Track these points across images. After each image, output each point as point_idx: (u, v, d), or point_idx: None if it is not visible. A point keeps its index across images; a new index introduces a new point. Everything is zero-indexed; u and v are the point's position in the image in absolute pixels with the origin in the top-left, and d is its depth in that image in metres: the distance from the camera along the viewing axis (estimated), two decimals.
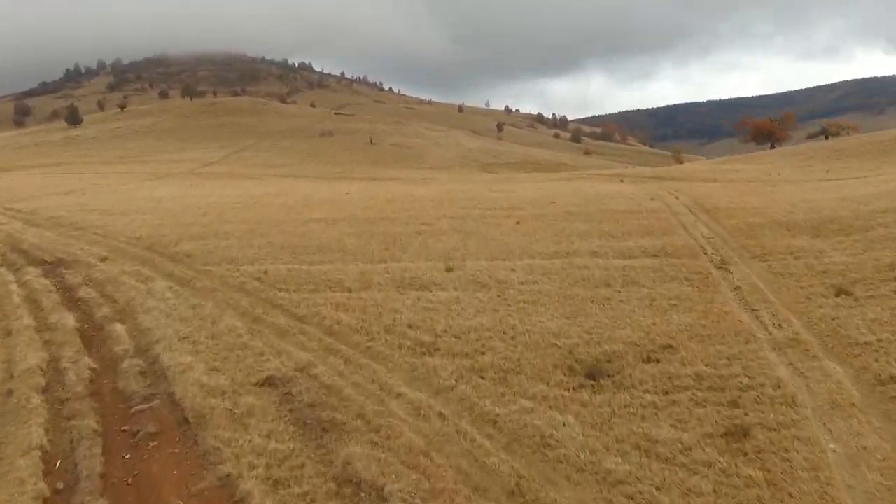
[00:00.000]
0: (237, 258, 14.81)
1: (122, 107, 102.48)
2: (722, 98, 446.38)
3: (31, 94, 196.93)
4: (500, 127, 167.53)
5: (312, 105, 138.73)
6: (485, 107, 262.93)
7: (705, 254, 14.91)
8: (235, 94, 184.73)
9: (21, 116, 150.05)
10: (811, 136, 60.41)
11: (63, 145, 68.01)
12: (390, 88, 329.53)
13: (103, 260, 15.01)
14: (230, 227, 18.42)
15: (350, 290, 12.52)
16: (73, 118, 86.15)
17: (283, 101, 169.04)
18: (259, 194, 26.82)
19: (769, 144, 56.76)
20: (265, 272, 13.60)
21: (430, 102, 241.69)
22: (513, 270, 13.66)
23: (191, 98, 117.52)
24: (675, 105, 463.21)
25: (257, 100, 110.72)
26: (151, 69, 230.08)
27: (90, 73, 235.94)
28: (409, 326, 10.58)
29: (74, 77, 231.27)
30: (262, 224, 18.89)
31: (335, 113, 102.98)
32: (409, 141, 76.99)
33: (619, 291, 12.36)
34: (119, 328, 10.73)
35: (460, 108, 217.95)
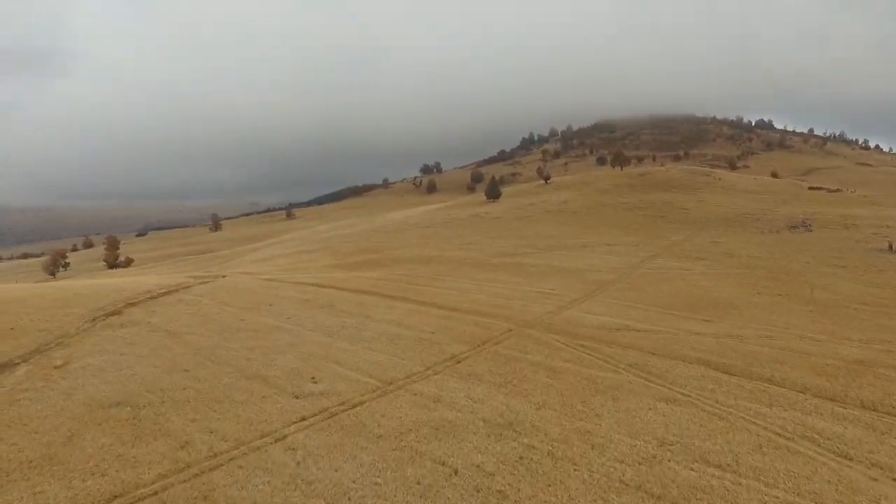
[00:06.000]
0: None
1: (547, 178, 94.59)
2: None
3: (489, 161, 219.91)
4: None
5: (774, 175, 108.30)
6: None
7: None
8: (677, 158, 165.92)
9: (473, 183, 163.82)
10: None
11: (461, 226, 59.84)
12: (877, 146, 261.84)
13: None
14: None
15: None
16: (492, 191, 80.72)
17: (732, 165, 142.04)
18: None
19: None
20: None
21: None
22: None
23: (621, 167, 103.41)
24: None
25: (696, 169, 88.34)
26: (595, 134, 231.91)
27: (541, 141, 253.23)
28: None
29: (527, 145, 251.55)
30: None
31: (809, 188, 72.53)
32: None
33: None
34: None
35: None
